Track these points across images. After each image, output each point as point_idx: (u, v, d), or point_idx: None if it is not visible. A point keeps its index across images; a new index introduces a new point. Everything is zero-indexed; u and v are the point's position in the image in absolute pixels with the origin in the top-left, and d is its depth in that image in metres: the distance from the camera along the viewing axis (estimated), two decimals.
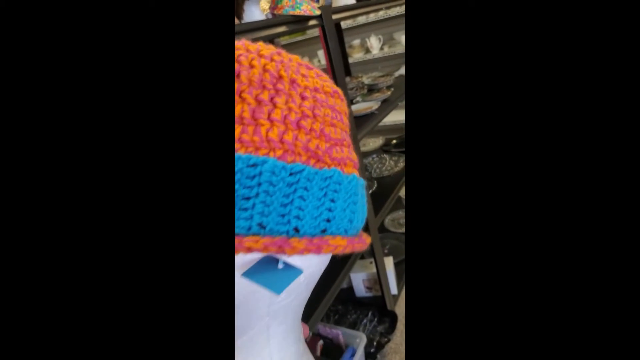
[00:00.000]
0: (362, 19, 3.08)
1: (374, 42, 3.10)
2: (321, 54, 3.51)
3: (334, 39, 1.17)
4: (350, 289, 1.69)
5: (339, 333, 1.39)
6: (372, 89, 1.88)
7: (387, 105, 1.61)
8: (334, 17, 1.17)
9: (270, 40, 1.45)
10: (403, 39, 3.04)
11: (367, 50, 3.22)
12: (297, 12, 0.99)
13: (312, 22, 1.10)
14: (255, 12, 0.99)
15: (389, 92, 1.70)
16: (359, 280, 1.65)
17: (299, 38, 3.47)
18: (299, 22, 1.03)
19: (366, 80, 1.99)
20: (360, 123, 1.39)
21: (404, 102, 1.85)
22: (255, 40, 0.89)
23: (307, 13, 1.01)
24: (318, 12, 1.05)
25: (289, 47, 3.68)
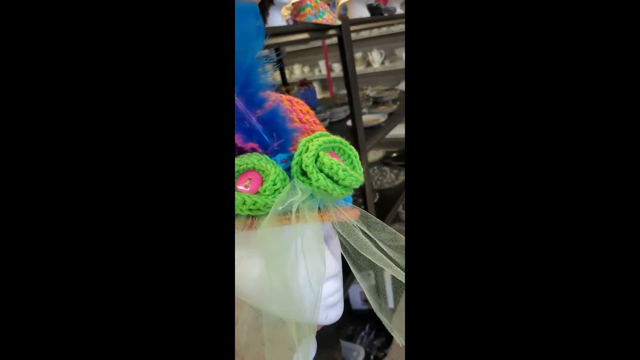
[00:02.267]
0: (365, 33, 3.12)
1: (375, 56, 3.14)
2: (322, 64, 3.54)
3: (350, 49, 1.17)
4: (346, 300, 1.68)
5: None
6: (377, 102, 1.89)
7: (393, 119, 1.62)
8: (352, 28, 1.18)
9: (277, 48, 1.47)
10: (404, 55, 3.09)
11: (369, 64, 3.25)
12: (320, 20, 0.99)
13: (331, 32, 1.11)
14: (277, 17, 0.99)
15: (395, 106, 1.71)
16: (355, 292, 1.63)
17: (302, 47, 3.49)
18: (319, 31, 1.04)
19: (370, 92, 2.01)
20: (367, 135, 1.40)
21: None
22: (278, 44, 0.89)
23: (329, 22, 1.02)
24: (339, 22, 1.06)
25: (292, 55, 3.70)
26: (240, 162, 0.28)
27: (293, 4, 1.07)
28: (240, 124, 0.29)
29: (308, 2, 1.01)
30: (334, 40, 1.15)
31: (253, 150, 0.30)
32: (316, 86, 3.50)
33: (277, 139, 0.30)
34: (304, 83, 2.11)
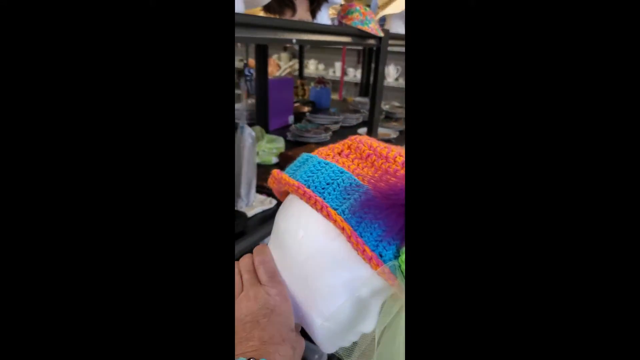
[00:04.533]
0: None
1: (391, 71, 3.17)
2: (338, 65, 3.55)
3: (384, 61, 1.19)
4: None
5: None
6: (389, 117, 1.91)
7: (403, 137, 1.64)
8: (390, 42, 1.20)
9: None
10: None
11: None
12: (365, 28, 1.00)
13: (370, 41, 1.12)
14: (324, 15, 0.99)
15: None
16: None
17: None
18: (361, 37, 1.05)
19: (384, 106, 2.03)
20: None
21: None
22: (320, 43, 0.89)
23: (373, 32, 1.03)
24: (382, 34, 1.07)
25: (309, 50, 3.68)
26: None
27: (341, 5, 1.07)
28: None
29: (357, 8, 1.02)
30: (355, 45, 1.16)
31: None
32: None
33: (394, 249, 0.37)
34: (321, 81, 2.12)
